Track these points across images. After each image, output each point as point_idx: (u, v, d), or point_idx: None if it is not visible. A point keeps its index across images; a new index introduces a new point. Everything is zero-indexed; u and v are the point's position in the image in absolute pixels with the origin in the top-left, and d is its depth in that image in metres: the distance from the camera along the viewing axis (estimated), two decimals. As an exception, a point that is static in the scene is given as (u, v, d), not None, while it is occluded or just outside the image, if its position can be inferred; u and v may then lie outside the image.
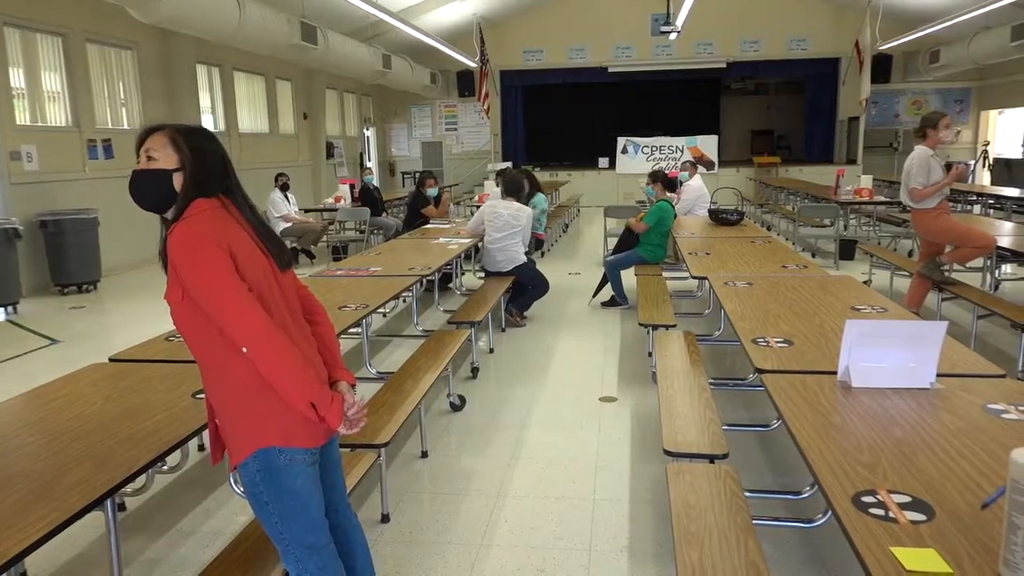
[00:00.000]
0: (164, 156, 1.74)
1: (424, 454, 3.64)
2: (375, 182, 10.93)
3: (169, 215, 1.75)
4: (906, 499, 1.53)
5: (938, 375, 2.24)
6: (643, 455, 3.58)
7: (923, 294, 5.48)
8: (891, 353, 2.23)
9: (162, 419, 2.18)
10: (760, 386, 4.11)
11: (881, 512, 1.48)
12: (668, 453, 2.53)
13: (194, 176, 1.75)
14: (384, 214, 10.35)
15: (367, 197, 10.17)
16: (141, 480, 2.63)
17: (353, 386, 1.91)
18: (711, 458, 2.50)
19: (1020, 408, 2.04)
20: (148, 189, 1.75)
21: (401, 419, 2.97)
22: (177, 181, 1.74)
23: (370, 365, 4.56)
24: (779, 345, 2.70)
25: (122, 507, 3.13)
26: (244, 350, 1.63)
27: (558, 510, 3.05)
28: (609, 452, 3.62)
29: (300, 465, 1.75)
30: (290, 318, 1.80)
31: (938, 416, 1.99)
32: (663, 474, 3.27)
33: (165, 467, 2.90)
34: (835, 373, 2.32)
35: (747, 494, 2.58)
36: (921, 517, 1.46)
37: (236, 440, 1.76)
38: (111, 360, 2.82)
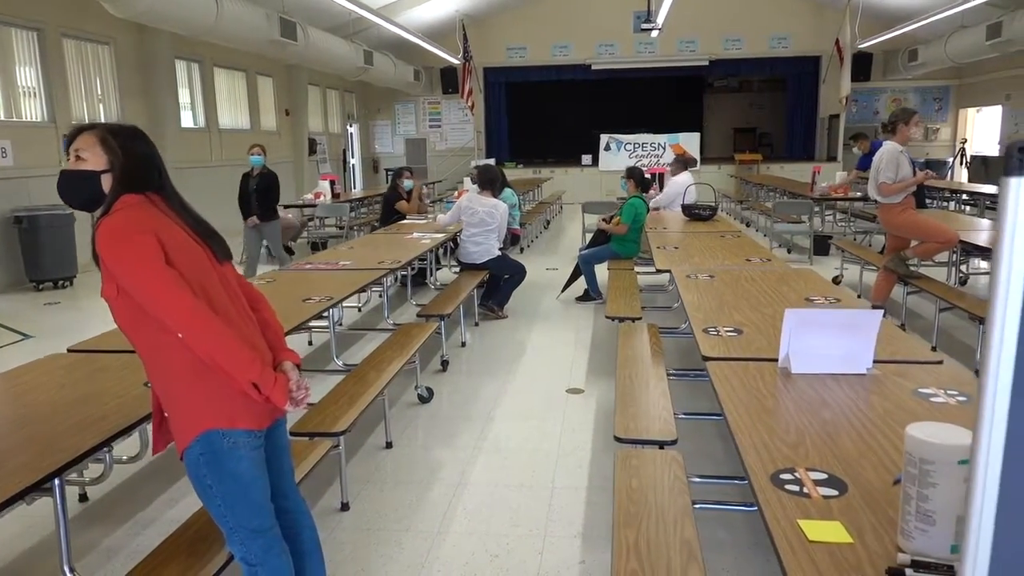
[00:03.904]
0: (93, 156, 1.77)
1: (388, 444, 3.67)
2: (263, 163, 7.06)
3: (98, 213, 1.78)
4: (822, 476, 1.59)
5: (877, 361, 2.30)
6: (604, 444, 3.63)
7: (889, 288, 5.56)
8: (829, 340, 2.29)
9: (112, 406, 2.21)
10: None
11: (796, 488, 1.53)
12: (618, 440, 2.58)
13: (123, 176, 1.78)
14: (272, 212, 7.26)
15: (244, 192, 7.09)
16: (99, 468, 2.66)
17: (298, 366, 1.95)
18: (660, 444, 2.55)
19: (950, 392, 2.10)
20: (76, 189, 1.78)
21: (360, 408, 3.00)
22: (106, 182, 1.77)
23: (338, 358, 4.59)
24: (728, 334, 2.76)
25: (84, 498, 3.15)
26: (180, 335, 1.67)
27: (517, 498, 3.10)
28: (571, 442, 3.67)
29: (244, 448, 1.78)
30: (232, 305, 1.84)
31: (868, 400, 2.05)
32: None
33: (125, 458, 2.93)
34: (776, 360, 2.37)
35: (697, 479, 2.65)
36: (833, 492, 1.51)
37: (179, 425, 1.80)
38: (69, 351, 2.84)
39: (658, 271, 4.50)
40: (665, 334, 4.40)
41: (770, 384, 2.20)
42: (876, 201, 5.54)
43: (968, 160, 15.99)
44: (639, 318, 4.42)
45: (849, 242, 7.85)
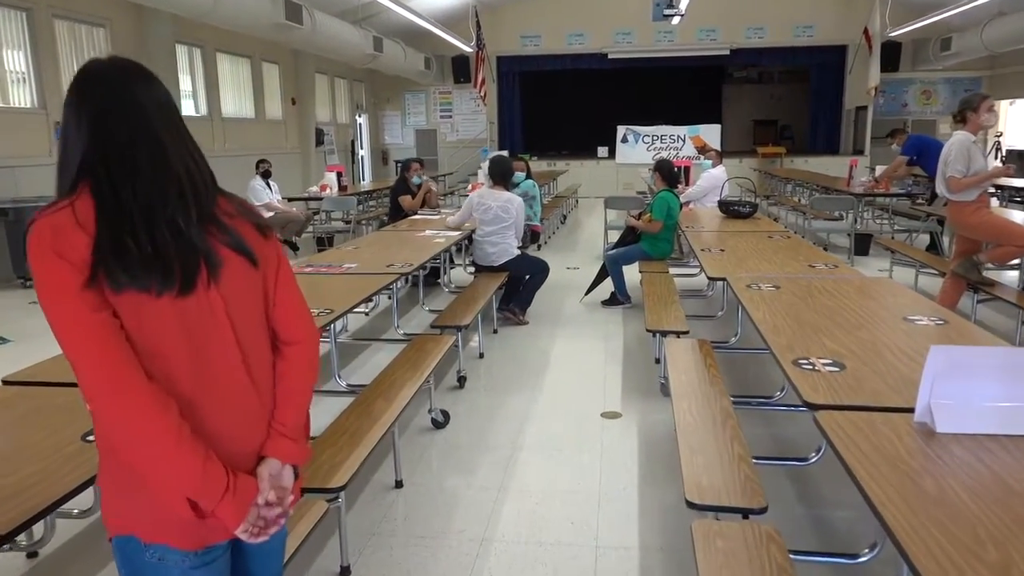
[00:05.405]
0: None
1: (398, 484, 3.12)
2: None
3: None
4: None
5: (1042, 415, 1.73)
6: (652, 485, 3.08)
7: (957, 296, 4.97)
8: (984, 388, 1.72)
9: (34, 473, 1.66)
10: (788, 406, 3.64)
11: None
12: (692, 506, 2.02)
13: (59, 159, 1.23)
14: None
15: None
16: (39, 530, 2.13)
17: (295, 467, 1.34)
18: (745, 513, 1.99)
19: None
20: None
21: (364, 453, 2.45)
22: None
23: (339, 376, 4.04)
24: (828, 369, 2.19)
25: (34, 555, 2.62)
26: (88, 408, 1.12)
27: (553, 560, 2.55)
28: (613, 483, 3.11)
29: (177, 567, 1.22)
30: (196, 360, 1.21)
31: (1065, 481, 1.49)
32: (676, 511, 2.77)
33: (75, 512, 2.40)
34: (908, 411, 1.81)
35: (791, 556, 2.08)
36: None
37: (103, 509, 1.27)
38: (5, 383, 2.30)
39: (711, 279, 3.93)
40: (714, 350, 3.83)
41: (913, 449, 1.64)
42: (944, 198, 4.96)
43: (1004, 154, 15.29)
44: (686, 332, 3.85)
45: (900, 243, 7.24)
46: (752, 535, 1.87)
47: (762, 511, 1.99)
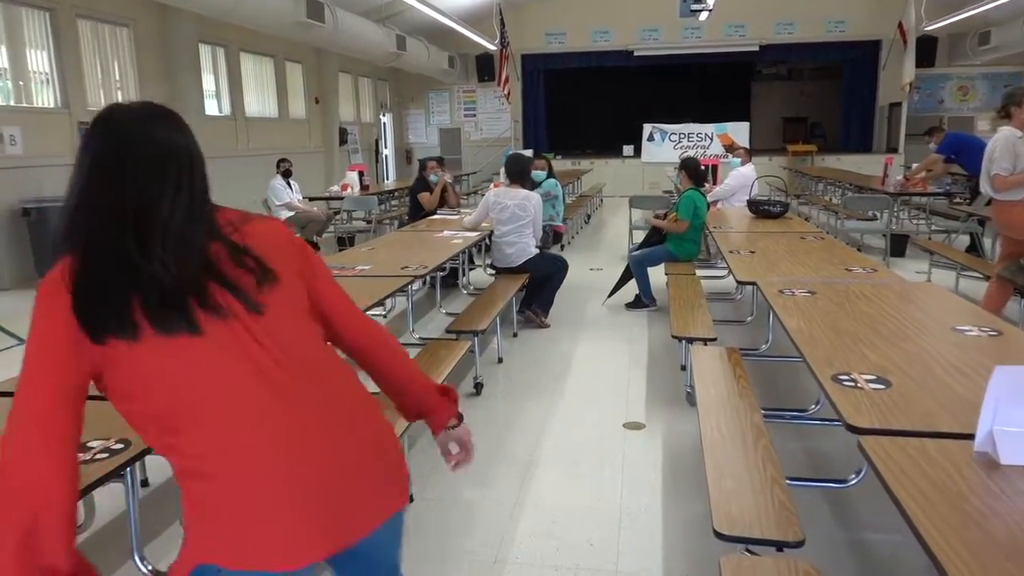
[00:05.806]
0: None
1: (409, 498, 2.97)
2: None
3: None
4: None
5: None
6: (677, 501, 2.90)
7: (1003, 300, 4.71)
8: (1054, 412, 1.52)
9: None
10: (824, 420, 3.43)
11: None
12: (720, 537, 1.84)
13: None
14: None
15: None
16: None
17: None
18: (780, 545, 1.81)
19: None
20: None
21: (369, 469, 2.30)
22: None
23: (351, 383, 3.91)
24: (873, 387, 1.99)
25: None
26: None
27: (570, 586, 2.39)
28: (636, 500, 2.93)
29: None
30: (227, 390, 1.18)
31: None
32: (702, 531, 2.59)
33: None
34: (966, 436, 1.61)
35: (829, 593, 1.89)
36: None
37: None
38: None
39: (740, 283, 3.73)
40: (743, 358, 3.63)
41: (975, 485, 1.45)
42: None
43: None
44: (713, 339, 3.66)
45: (938, 244, 6.95)
46: (788, 571, 1.69)
47: (799, 544, 1.80)
